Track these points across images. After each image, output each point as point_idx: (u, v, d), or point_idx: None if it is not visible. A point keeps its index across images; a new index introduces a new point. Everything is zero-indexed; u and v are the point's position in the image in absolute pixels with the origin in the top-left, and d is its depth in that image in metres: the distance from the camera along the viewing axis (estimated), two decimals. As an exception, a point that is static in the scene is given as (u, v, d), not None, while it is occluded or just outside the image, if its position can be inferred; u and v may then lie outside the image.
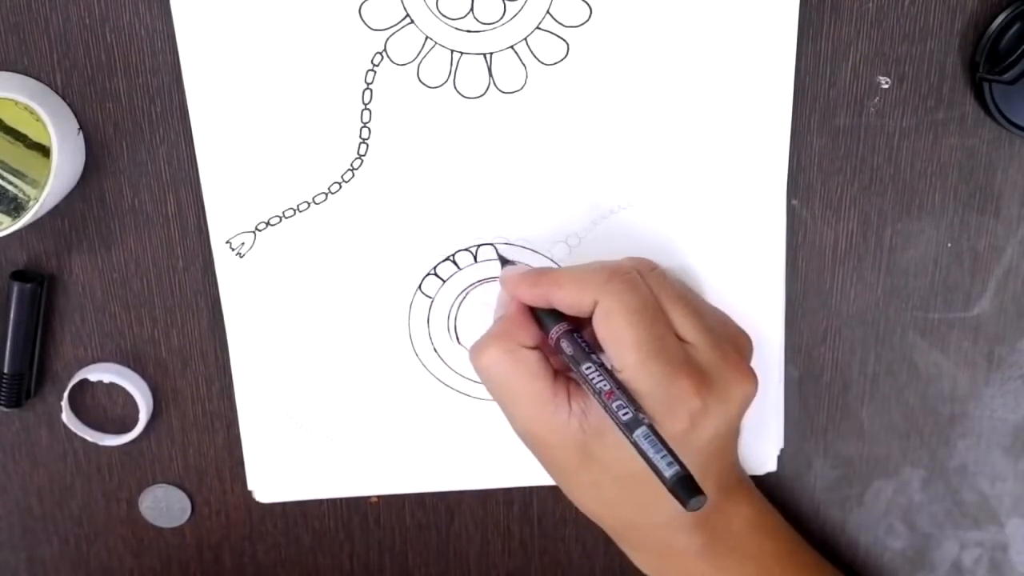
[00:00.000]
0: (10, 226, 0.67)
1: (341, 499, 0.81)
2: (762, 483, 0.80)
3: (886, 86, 0.72)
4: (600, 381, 0.64)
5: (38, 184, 0.67)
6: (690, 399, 0.64)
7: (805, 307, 0.77)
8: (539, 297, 0.68)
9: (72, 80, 0.70)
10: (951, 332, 0.78)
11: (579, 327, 0.67)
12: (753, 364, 0.75)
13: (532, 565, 0.84)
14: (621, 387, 0.64)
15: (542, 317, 0.68)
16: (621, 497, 0.68)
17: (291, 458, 0.78)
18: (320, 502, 0.82)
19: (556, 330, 0.67)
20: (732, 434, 0.71)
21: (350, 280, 0.74)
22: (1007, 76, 0.69)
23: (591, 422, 0.66)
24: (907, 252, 0.75)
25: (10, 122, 0.67)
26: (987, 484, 0.82)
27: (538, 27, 0.68)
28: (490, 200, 0.72)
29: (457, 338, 0.76)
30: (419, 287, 0.74)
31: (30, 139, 0.67)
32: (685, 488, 0.59)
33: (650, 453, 0.60)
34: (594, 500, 0.71)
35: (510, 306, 0.70)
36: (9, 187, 0.67)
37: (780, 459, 0.80)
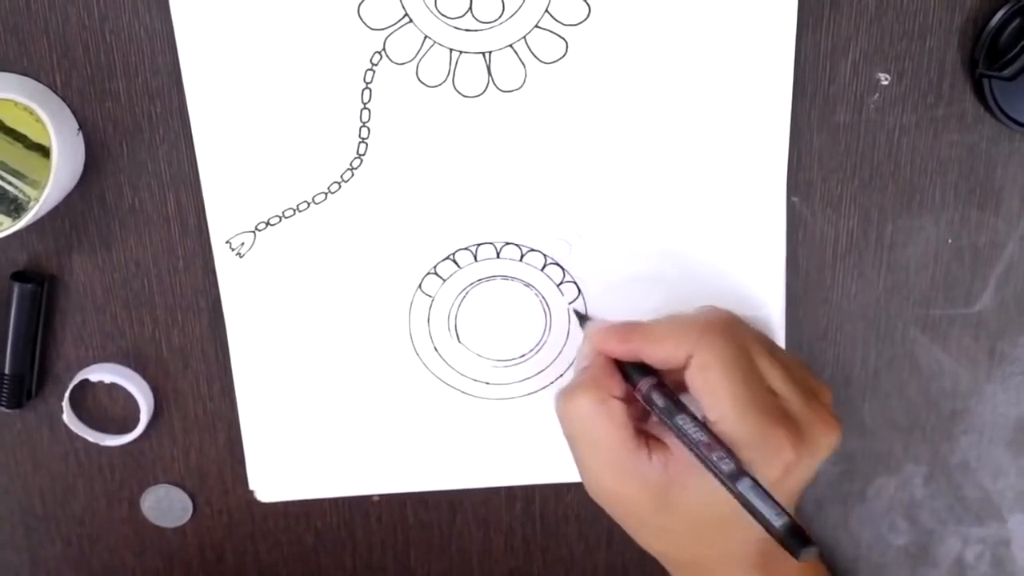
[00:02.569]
0: (10, 227, 0.67)
1: (343, 498, 0.81)
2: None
3: (886, 83, 0.72)
4: (697, 432, 0.64)
5: (38, 184, 0.67)
6: (786, 450, 0.65)
7: (806, 304, 0.77)
8: (630, 352, 0.69)
9: (72, 80, 0.70)
10: (952, 328, 0.78)
11: (663, 380, 0.68)
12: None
13: (534, 563, 0.84)
14: (717, 439, 0.64)
15: (628, 370, 0.69)
16: (693, 538, 0.68)
17: (292, 457, 0.78)
18: (322, 501, 0.82)
19: (645, 383, 0.68)
20: (807, 483, 0.71)
21: (350, 280, 0.74)
22: (1007, 72, 0.69)
23: (671, 473, 0.66)
24: (908, 248, 0.75)
25: (10, 123, 0.67)
26: (989, 480, 0.82)
27: (537, 25, 0.68)
28: (490, 199, 0.72)
29: (458, 337, 0.76)
30: (419, 286, 0.74)
31: (30, 140, 0.67)
32: (795, 538, 0.60)
33: (757, 504, 0.61)
34: (664, 542, 0.71)
35: (598, 358, 0.70)
36: (9, 188, 0.67)
37: (782, 456, 0.80)
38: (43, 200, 0.67)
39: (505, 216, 0.73)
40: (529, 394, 0.77)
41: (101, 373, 0.77)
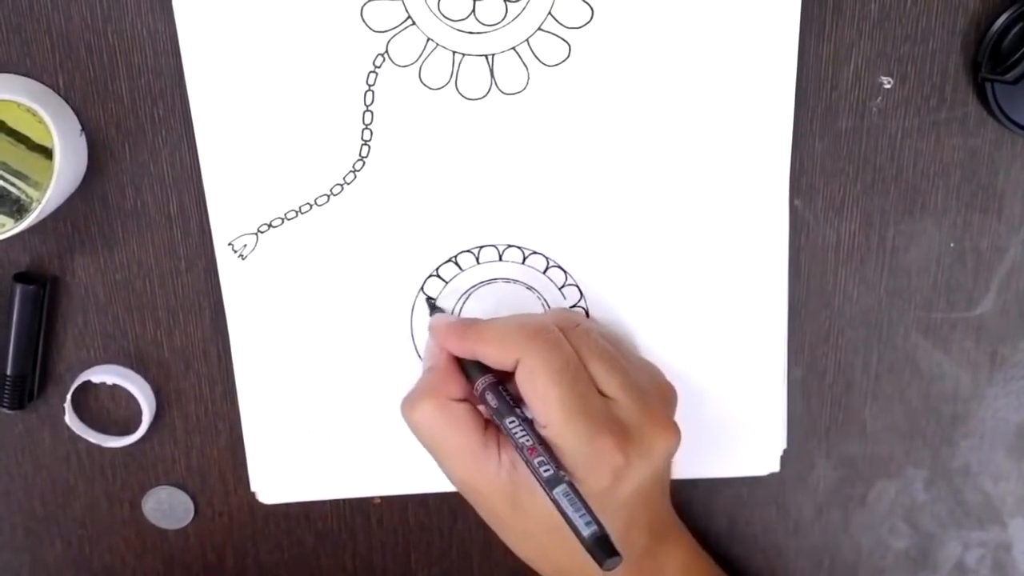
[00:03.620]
0: (13, 228, 0.67)
1: (344, 500, 0.81)
2: (765, 484, 0.81)
3: (888, 86, 0.72)
4: (523, 436, 0.65)
5: (40, 186, 0.67)
6: (613, 455, 0.66)
7: (808, 307, 0.77)
8: (466, 350, 0.70)
9: (74, 82, 0.70)
10: (954, 332, 0.78)
11: (505, 379, 0.69)
12: (756, 365, 0.76)
13: (535, 566, 0.84)
14: (543, 443, 0.65)
15: (468, 369, 0.70)
16: (553, 544, 0.69)
17: (294, 459, 0.78)
18: (323, 503, 0.82)
19: (481, 382, 0.69)
20: (660, 483, 0.72)
21: (352, 282, 0.74)
22: (1009, 76, 0.69)
23: (520, 474, 0.67)
24: (910, 252, 0.75)
25: (12, 124, 0.67)
26: (990, 484, 0.82)
27: (540, 28, 0.68)
28: (492, 201, 0.72)
29: (459, 339, 0.76)
30: (421, 288, 0.74)
31: (32, 141, 0.67)
32: (602, 548, 0.61)
33: (569, 511, 0.62)
34: (527, 547, 0.72)
35: (439, 358, 0.71)
36: (12, 189, 0.67)
37: (783, 460, 0.80)
38: (45, 201, 0.67)
39: (507, 218, 0.73)
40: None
41: (103, 374, 0.77)
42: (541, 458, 0.64)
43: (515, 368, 0.67)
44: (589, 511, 0.62)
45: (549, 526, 0.65)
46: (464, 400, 0.69)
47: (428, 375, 0.71)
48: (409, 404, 0.70)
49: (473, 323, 0.71)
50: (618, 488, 0.66)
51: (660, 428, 0.68)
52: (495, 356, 0.68)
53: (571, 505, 0.62)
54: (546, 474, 0.63)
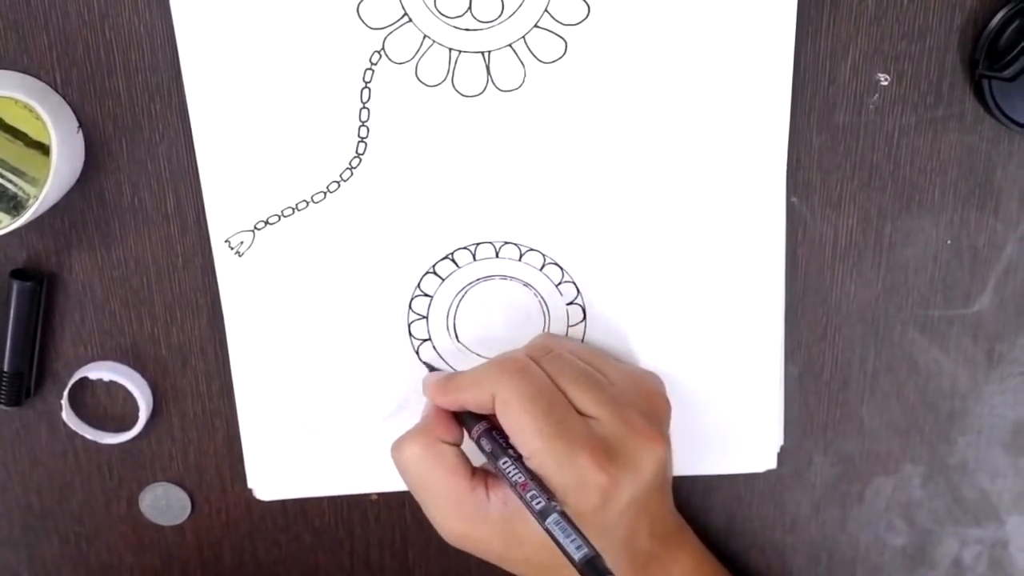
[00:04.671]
0: (10, 224, 0.67)
1: (341, 497, 0.81)
2: (762, 481, 0.81)
3: (885, 83, 0.72)
4: (515, 474, 0.66)
5: (38, 182, 0.67)
6: (596, 475, 0.66)
7: (805, 304, 0.77)
8: (450, 401, 0.71)
9: (71, 78, 0.70)
10: (951, 329, 0.78)
11: (495, 423, 0.69)
12: (753, 362, 0.76)
13: (532, 562, 0.84)
14: (534, 477, 0.66)
15: (464, 419, 0.71)
16: (554, 564, 0.68)
17: (291, 456, 0.78)
18: (320, 500, 0.82)
19: (476, 429, 0.70)
20: (658, 491, 0.71)
21: (349, 279, 0.74)
22: (1007, 73, 0.69)
23: (511, 508, 0.68)
24: (907, 249, 0.75)
25: (10, 120, 0.67)
26: (987, 481, 0.82)
27: (536, 25, 0.68)
28: (489, 198, 0.72)
29: (456, 336, 0.76)
30: (418, 285, 0.74)
31: (30, 137, 0.67)
32: (593, 570, 0.62)
33: (560, 539, 0.63)
34: (528, 571, 0.72)
35: (432, 407, 0.73)
36: (9, 185, 0.67)
37: (780, 456, 0.80)
38: (42, 198, 0.67)
39: (504, 215, 0.73)
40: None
41: (100, 371, 0.77)
42: (532, 492, 0.65)
43: (494, 406, 0.68)
44: (580, 535, 0.63)
45: (548, 547, 0.65)
46: (454, 445, 0.70)
47: (419, 422, 0.72)
48: (397, 445, 0.71)
49: (452, 375, 0.72)
50: (609, 506, 0.67)
51: (644, 440, 0.68)
52: (473, 399, 0.69)
53: (562, 532, 0.63)
54: (538, 507, 0.64)
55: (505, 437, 0.69)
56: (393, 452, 0.71)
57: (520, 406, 0.67)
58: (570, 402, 0.68)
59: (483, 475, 0.70)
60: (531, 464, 0.67)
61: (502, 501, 0.68)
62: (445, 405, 0.71)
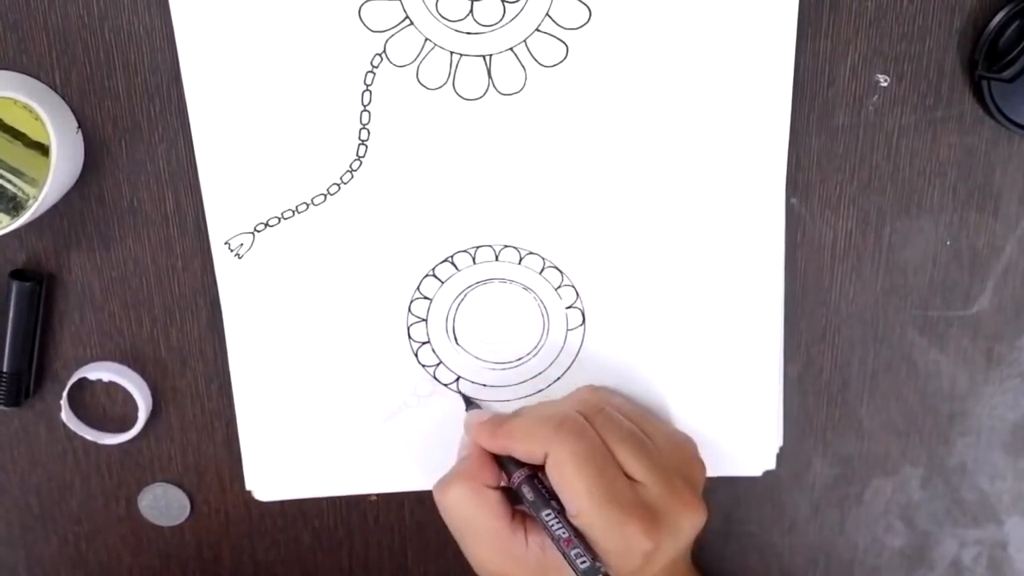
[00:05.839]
0: (9, 225, 0.67)
1: (340, 498, 0.81)
2: (761, 482, 0.81)
3: (885, 84, 0.72)
4: (559, 529, 0.68)
5: (37, 183, 0.67)
6: (642, 541, 0.68)
7: (804, 305, 0.77)
8: (497, 446, 0.72)
9: (71, 79, 0.70)
10: (950, 330, 0.78)
11: (538, 469, 0.71)
12: (752, 363, 0.76)
13: (531, 563, 0.84)
14: (578, 534, 0.68)
15: (504, 462, 0.72)
16: None
17: (290, 457, 0.78)
18: (319, 501, 0.82)
19: (517, 476, 0.71)
20: (686, 553, 0.74)
21: (349, 281, 0.74)
22: (1006, 74, 0.69)
23: (548, 556, 0.70)
24: (906, 250, 0.76)
25: (9, 121, 0.67)
26: (986, 482, 0.82)
27: (537, 29, 0.68)
28: (489, 202, 0.72)
29: (456, 339, 0.75)
30: (418, 288, 0.74)
31: (29, 138, 0.67)
32: None
33: None
34: None
35: (474, 447, 0.73)
36: (8, 186, 0.67)
37: (779, 458, 0.80)
38: (42, 198, 0.67)
39: (504, 219, 0.73)
40: (526, 396, 0.77)
41: (99, 372, 0.77)
42: (577, 549, 0.67)
43: (544, 462, 0.69)
44: None
45: None
46: (496, 488, 0.71)
47: (463, 462, 0.73)
48: (442, 487, 0.72)
49: (503, 420, 0.73)
50: (647, 568, 0.69)
51: (686, 508, 0.70)
52: (524, 451, 0.70)
53: None
54: (583, 566, 0.66)
55: (546, 486, 0.70)
56: (437, 494, 0.72)
57: (574, 467, 0.68)
58: (618, 464, 0.69)
59: (521, 518, 0.71)
60: (576, 521, 0.68)
61: (540, 547, 0.70)
62: (490, 448, 0.72)
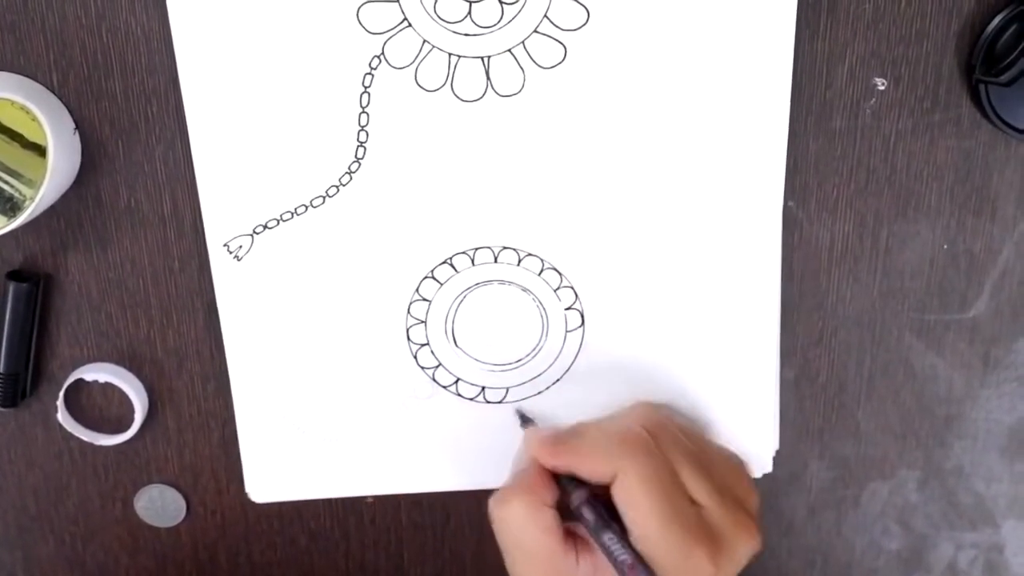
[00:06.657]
0: (6, 226, 0.67)
1: (337, 499, 0.81)
2: (758, 484, 0.80)
3: (882, 88, 0.72)
4: (622, 554, 0.66)
5: (34, 184, 0.67)
6: (706, 567, 0.67)
7: (801, 308, 0.77)
8: (560, 465, 0.70)
9: (68, 80, 0.70)
10: (947, 334, 0.78)
11: (594, 489, 0.69)
12: (749, 366, 0.76)
13: (528, 565, 0.84)
14: (640, 560, 0.66)
15: (563, 480, 0.70)
16: None
17: (287, 458, 0.78)
18: (316, 502, 0.82)
19: (577, 497, 0.69)
20: None
21: (348, 283, 0.74)
22: (1003, 78, 0.69)
23: None
24: (903, 254, 0.76)
25: (6, 122, 0.67)
26: (983, 485, 0.82)
27: (536, 30, 0.68)
28: (488, 203, 0.72)
29: (454, 341, 0.75)
30: (416, 290, 0.74)
31: (26, 139, 0.67)
32: None
33: None
34: None
35: (532, 463, 0.72)
36: (5, 187, 0.67)
37: (776, 460, 0.79)
38: (39, 199, 0.66)
39: (503, 220, 0.73)
40: (525, 398, 0.77)
41: (96, 372, 0.77)
42: (641, 575, 0.66)
43: (611, 481, 0.68)
44: None
45: None
46: (552, 506, 0.70)
47: (521, 476, 0.71)
48: (501, 501, 0.70)
49: (567, 438, 0.71)
50: None
51: (746, 534, 0.69)
52: (589, 470, 0.69)
53: None
54: None
55: (606, 507, 0.68)
56: (495, 507, 0.70)
57: (643, 487, 0.67)
58: (683, 485, 0.69)
59: (572, 537, 0.70)
60: (639, 545, 0.67)
61: (592, 567, 0.69)
62: (552, 466, 0.71)
